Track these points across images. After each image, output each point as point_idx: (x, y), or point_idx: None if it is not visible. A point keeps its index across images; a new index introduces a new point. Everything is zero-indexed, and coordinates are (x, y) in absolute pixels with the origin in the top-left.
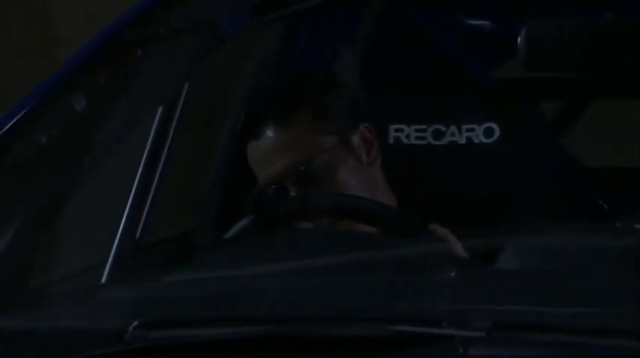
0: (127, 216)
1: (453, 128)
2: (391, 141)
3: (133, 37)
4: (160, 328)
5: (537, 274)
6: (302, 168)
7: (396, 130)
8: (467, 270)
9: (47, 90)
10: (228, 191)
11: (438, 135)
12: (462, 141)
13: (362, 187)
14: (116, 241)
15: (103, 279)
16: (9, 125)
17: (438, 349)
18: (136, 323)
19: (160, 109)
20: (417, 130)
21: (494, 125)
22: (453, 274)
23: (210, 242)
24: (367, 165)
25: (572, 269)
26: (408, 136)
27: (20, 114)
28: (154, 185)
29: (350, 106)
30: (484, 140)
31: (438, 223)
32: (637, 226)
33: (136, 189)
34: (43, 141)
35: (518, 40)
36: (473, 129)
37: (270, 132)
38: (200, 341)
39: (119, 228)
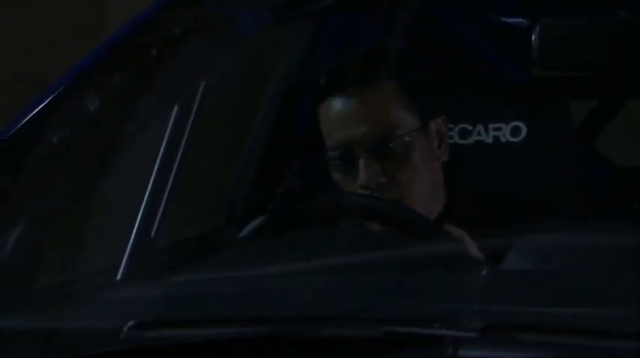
0: (141, 216)
1: (480, 127)
2: None
3: (147, 38)
4: (155, 328)
5: (538, 274)
6: (381, 140)
7: None
8: (470, 271)
9: (59, 90)
10: (254, 189)
11: (464, 134)
12: (489, 140)
13: (428, 178)
14: (131, 241)
15: (118, 280)
16: (19, 125)
17: (428, 349)
18: (131, 323)
19: (175, 109)
20: None
21: (521, 124)
22: (455, 275)
23: (231, 241)
24: (435, 158)
25: (573, 269)
26: None
27: (31, 115)
28: (170, 185)
29: (434, 92)
30: (511, 139)
31: (463, 223)
32: None
33: (152, 189)
34: (54, 140)
35: (532, 38)
36: (500, 128)
37: (356, 96)
38: (195, 342)
39: (134, 228)
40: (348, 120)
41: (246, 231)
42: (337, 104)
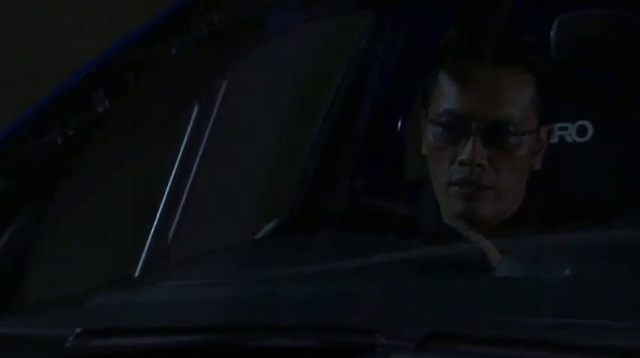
0: (158, 220)
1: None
2: None
3: (168, 36)
4: (100, 337)
5: (518, 282)
6: (501, 127)
7: None
8: (451, 277)
9: (67, 89)
10: (316, 190)
11: None
12: (555, 140)
13: (521, 180)
14: (146, 247)
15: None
16: (19, 125)
17: None
18: (77, 331)
19: (195, 110)
20: None
21: (587, 123)
22: (430, 281)
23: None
24: (531, 163)
25: (565, 276)
26: None
27: (33, 115)
28: (187, 188)
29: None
30: (577, 139)
31: (528, 224)
32: None
33: (169, 192)
34: (59, 142)
35: (551, 33)
36: (566, 128)
37: (496, 74)
38: (138, 351)
39: (149, 233)
40: (475, 93)
41: (261, 233)
42: (471, 74)
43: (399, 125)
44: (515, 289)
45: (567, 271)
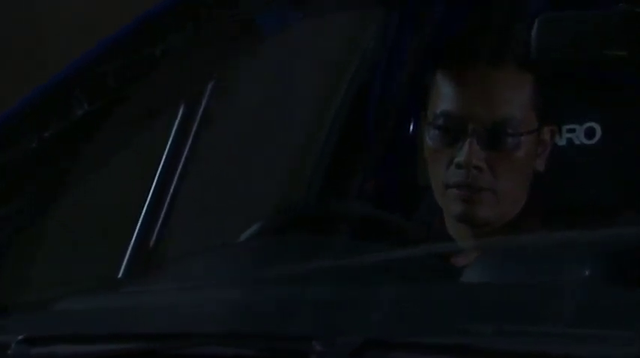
0: (141, 223)
1: None
2: None
3: (151, 37)
4: (42, 344)
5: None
6: (498, 129)
7: None
8: (405, 283)
9: (47, 91)
10: (325, 189)
11: None
12: (562, 142)
13: (522, 182)
14: (128, 252)
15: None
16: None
17: None
18: (19, 338)
19: (180, 111)
20: None
21: (595, 125)
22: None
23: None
24: (533, 165)
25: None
26: None
27: (9, 115)
28: (172, 190)
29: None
30: (585, 141)
31: (535, 227)
32: None
33: (153, 194)
34: (34, 144)
35: (532, 33)
36: (573, 130)
37: (491, 75)
38: None
39: (132, 238)
40: (471, 94)
41: (245, 235)
42: (467, 75)
43: (411, 127)
44: (475, 295)
45: (557, 276)
